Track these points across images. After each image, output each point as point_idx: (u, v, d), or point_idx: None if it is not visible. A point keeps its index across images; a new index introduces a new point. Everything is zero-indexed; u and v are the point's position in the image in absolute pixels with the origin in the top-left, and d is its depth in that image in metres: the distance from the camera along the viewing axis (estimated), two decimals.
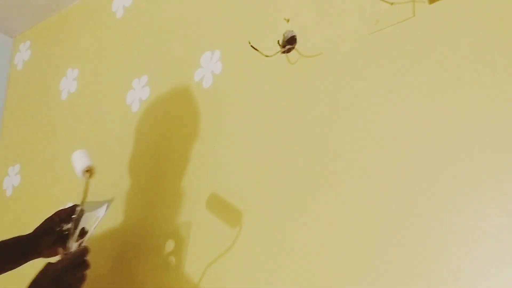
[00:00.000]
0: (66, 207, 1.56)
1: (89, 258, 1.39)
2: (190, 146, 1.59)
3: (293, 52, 1.43)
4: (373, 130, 1.26)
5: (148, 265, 1.54)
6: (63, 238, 1.50)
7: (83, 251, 1.40)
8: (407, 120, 1.21)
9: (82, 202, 1.45)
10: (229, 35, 1.60)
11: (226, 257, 1.41)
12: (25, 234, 1.52)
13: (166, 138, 1.65)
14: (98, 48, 1.98)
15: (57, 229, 1.51)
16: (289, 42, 1.43)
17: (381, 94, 1.27)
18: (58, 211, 1.55)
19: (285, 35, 1.43)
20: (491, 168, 1.09)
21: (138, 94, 1.77)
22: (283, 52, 1.43)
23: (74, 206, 1.52)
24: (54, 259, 1.44)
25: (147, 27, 1.85)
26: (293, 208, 1.34)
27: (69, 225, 1.49)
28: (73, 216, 1.48)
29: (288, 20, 1.46)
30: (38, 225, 1.53)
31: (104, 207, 1.48)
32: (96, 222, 1.45)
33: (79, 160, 1.47)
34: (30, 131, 2.10)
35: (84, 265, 1.39)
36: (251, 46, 1.43)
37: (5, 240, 1.52)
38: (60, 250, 1.44)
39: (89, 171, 1.45)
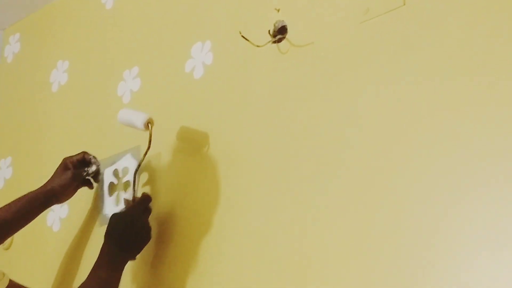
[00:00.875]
0: (73, 155, 1.67)
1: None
2: (182, 138, 1.59)
3: (284, 42, 1.43)
4: (365, 121, 1.26)
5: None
6: (84, 182, 1.68)
7: (146, 198, 1.53)
8: (400, 110, 1.21)
9: (146, 153, 1.53)
10: (220, 26, 1.60)
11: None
12: (45, 184, 1.64)
13: (157, 129, 1.65)
14: (88, 40, 1.97)
15: (83, 174, 1.67)
16: (280, 32, 1.43)
17: (373, 83, 1.27)
18: (66, 158, 1.67)
19: (276, 25, 1.43)
20: (486, 159, 1.09)
21: (129, 85, 1.77)
22: (274, 42, 1.43)
23: (83, 152, 1.67)
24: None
25: (137, 18, 1.84)
26: (285, 200, 1.34)
27: (94, 168, 1.66)
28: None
29: (278, 10, 1.46)
30: (55, 174, 1.64)
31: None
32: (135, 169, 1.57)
33: (134, 116, 1.56)
34: (21, 124, 2.10)
35: (149, 210, 1.52)
36: (242, 36, 1.43)
37: (31, 193, 1.62)
38: (125, 201, 1.55)
39: (150, 122, 1.53)
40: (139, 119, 1.53)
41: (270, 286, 1.30)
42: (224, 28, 1.58)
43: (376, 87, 1.26)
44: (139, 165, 1.57)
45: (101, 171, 1.70)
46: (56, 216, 1.81)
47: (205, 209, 1.47)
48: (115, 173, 1.69)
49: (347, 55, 1.33)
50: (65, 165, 1.66)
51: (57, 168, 1.66)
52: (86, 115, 1.87)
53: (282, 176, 1.36)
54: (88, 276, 1.39)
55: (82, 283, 1.37)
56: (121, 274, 1.43)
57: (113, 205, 1.66)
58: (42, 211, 1.64)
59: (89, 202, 1.75)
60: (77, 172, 1.66)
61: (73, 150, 1.76)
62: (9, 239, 1.90)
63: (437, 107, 1.16)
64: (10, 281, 1.19)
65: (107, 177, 1.70)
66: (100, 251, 1.43)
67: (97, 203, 1.72)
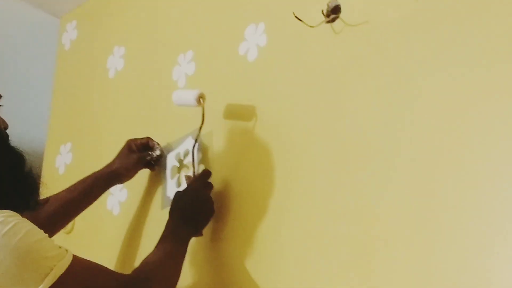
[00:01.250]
0: (138, 138, 1.71)
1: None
2: (236, 121, 1.59)
3: (337, 21, 1.42)
4: (427, 103, 1.23)
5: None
6: (146, 164, 1.72)
7: (206, 173, 1.56)
8: (460, 90, 1.19)
9: (200, 128, 1.58)
10: (273, 7, 1.59)
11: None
12: (109, 164, 1.69)
13: (212, 112, 1.66)
14: (143, 25, 1.99)
15: (147, 158, 1.70)
16: (333, 12, 1.41)
17: (430, 62, 1.25)
18: (131, 140, 1.70)
19: (329, 4, 1.41)
20: None
21: (184, 69, 1.78)
22: (328, 22, 1.42)
23: (148, 138, 1.71)
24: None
25: (191, 1, 1.85)
26: (336, 180, 1.33)
27: (158, 153, 1.70)
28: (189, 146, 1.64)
29: None
30: (120, 155, 1.69)
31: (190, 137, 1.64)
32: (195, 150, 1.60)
33: (186, 94, 1.61)
34: (79, 110, 2.13)
35: (210, 184, 1.54)
36: (295, 17, 1.42)
37: (95, 173, 1.67)
38: (186, 177, 1.58)
39: (201, 97, 1.56)
40: (191, 96, 1.57)
41: (330, 265, 1.30)
42: (278, 9, 1.58)
43: (435, 66, 1.24)
44: (195, 141, 1.59)
45: (164, 155, 1.72)
46: (116, 200, 1.83)
47: (263, 189, 1.47)
48: (177, 157, 1.70)
49: (404, 33, 1.31)
50: (129, 147, 1.69)
51: (122, 149, 1.70)
52: (142, 100, 1.89)
53: (339, 157, 1.35)
54: (154, 249, 1.40)
55: (148, 255, 1.38)
56: (186, 248, 1.44)
57: (175, 187, 1.67)
58: (105, 190, 1.70)
59: (147, 185, 1.77)
60: (142, 155, 1.70)
61: (131, 135, 1.78)
62: (70, 224, 1.94)
63: (503, 87, 1.13)
64: (74, 256, 1.20)
65: (170, 161, 1.71)
66: (165, 226, 1.45)
67: (159, 187, 1.74)
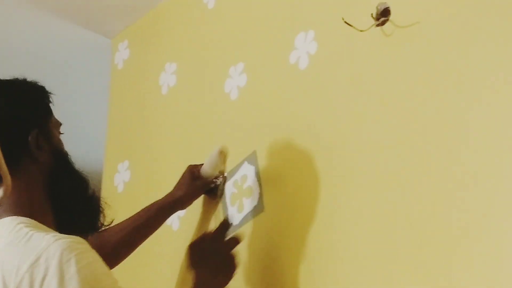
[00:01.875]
0: (198, 164, 1.71)
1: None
2: (291, 131, 1.59)
3: (387, 24, 1.40)
4: (483, 102, 1.20)
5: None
6: (210, 191, 1.72)
7: (226, 226, 1.52)
8: None
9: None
10: (322, 13, 1.58)
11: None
12: (173, 192, 1.69)
13: (266, 123, 1.65)
14: (193, 40, 2.00)
15: (211, 185, 1.70)
16: (383, 14, 1.39)
17: (487, 62, 1.21)
18: (192, 167, 1.70)
19: (378, 7, 1.40)
20: None
21: (236, 81, 1.78)
22: (378, 25, 1.40)
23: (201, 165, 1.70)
24: None
25: (239, 13, 1.85)
26: (401, 183, 1.31)
27: (221, 179, 1.70)
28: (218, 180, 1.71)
29: None
30: (184, 182, 1.68)
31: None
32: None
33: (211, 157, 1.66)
34: (135, 128, 2.15)
35: (234, 240, 1.50)
36: (345, 22, 1.41)
37: (160, 202, 1.68)
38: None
39: (222, 151, 1.63)
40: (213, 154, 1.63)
41: (388, 267, 1.28)
42: (326, 16, 1.57)
43: (495, 66, 1.20)
44: (224, 178, 1.67)
45: (225, 182, 1.71)
46: (175, 215, 1.84)
47: (315, 197, 1.46)
48: (235, 184, 1.70)
49: (458, 32, 1.28)
50: (192, 173, 1.69)
51: (184, 176, 1.70)
52: (196, 115, 1.90)
53: (397, 159, 1.33)
54: None
55: None
56: None
57: (236, 213, 1.66)
58: (168, 217, 1.71)
59: (205, 199, 1.77)
60: (207, 182, 1.70)
61: (186, 150, 1.79)
62: None
63: None
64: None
65: (228, 188, 1.71)
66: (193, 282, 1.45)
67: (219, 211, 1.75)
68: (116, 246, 1.57)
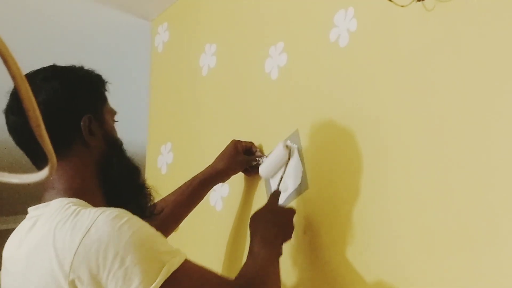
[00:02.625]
0: (243, 141, 1.73)
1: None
2: (333, 110, 1.58)
3: None
4: None
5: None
6: (249, 168, 1.73)
7: (292, 210, 1.53)
8: None
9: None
10: None
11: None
12: (215, 164, 1.71)
13: (307, 102, 1.65)
14: (232, 21, 2.00)
15: (253, 163, 1.70)
16: None
17: None
18: (237, 142, 1.71)
19: None
20: None
21: (276, 61, 1.77)
22: (418, 0, 1.38)
23: (252, 143, 1.72)
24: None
25: None
26: (434, 161, 1.30)
27: (264, 159, 1.67)
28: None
29: None
30: (227, 155, 1.70)
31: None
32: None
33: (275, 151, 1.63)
34: (176, 110, 2.17)
35: (292, 210, 1.53)
36: None
37: (201, 175, 1.70)
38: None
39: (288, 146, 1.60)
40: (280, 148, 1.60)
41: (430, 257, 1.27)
42: None
43: None
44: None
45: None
46: (218, 196, 1.85)
47: (358, 181, 1.45)
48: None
49: (502, 5, 1.25)
50: (236, 148, 1.71)
51: (228, 149, 1.71)
52: (236, 95, 1.90)
53: (439, 141, 1.32)
54: (249, 256, 1.41)
55: (246, 262, 1.40)
56: (279, 256, 1.44)
57: (281, 192, 1.62)
58: (209, 190, 1.73)
59: (247, 180, 1.78)
60: (250, 159, 1.72)
61: (227, 130, 1.79)
62: None
63: None
64: (187, 258, 1.22)
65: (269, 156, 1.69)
66: (251, 242, 1.45)
67: (259, 181, 1.74)
68: (162, 221, 1.58)
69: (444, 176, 1.29)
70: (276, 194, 1.55)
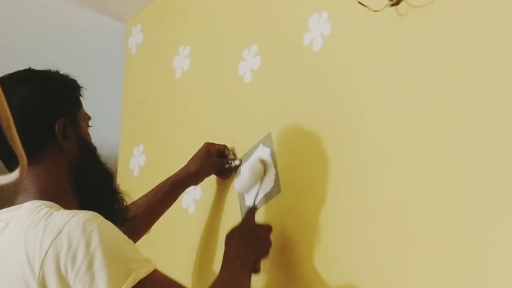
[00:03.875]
0: (215, 143, 1.71)
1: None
2: (306, 113, 1.58)
3: (402, 3, 1.38)
4: (499, 84, 1.19)
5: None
6: (222, 171, 1.72)
7: (269, 226, 1.52)
8: None
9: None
10: None
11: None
12: (188, 166, 1.69)
13: (280, 105, 1.65)
14: (206, 23, 1.99)
15: (226, 166, 1.70)
16: None
17: (504, 42, 1.20)
18: (209, 144, 1.70)
19: None
20: None
21: (250, 64, 1.77)
22: (392, 5, 1.39)
23: (225, 145, 1.71)
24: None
25: None
26: (406, 164, 1.31)
27: (237, 163, 1.68)
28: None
29: None
30: (200, 158, 1.69)
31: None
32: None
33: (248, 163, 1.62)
34: (149, 112, 2.16)
35: (269, 227, 1.52)
36: (359, 2, 1.39)
37: (173, 178, 1.68)
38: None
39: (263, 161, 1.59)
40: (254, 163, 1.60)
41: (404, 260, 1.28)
42: None
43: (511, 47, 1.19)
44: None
45: (239, 166, 1.70)
46: (191, 198, 1.85)
47: (329, 183, 1.46)
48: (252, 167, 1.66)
49: (474, 11, 1.26)
50: (208, 150, 1.70)
51: (201, 152, 1.70)
52: (210, 97, 1.90)
53: (411, 144, 1.33)
54: (220, 272, 1.42)
55: (217, 277, 1.40)
56: (251, 274, 1.44)
57: (253, 195, 1.63)
58: (182, 192, 1.72)
59: (220, 183, 1.78)
60: (222, 162, 1.71)
61: (200, 133, 1.79)
62: None
63: None
64: (156, 268, 1.22)
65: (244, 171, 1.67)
66: (224, 257, 1.46)
67: (231, 184, 1.74)
68: (134, 223, 1.57)
69: (415, 178, 1.30)
70: (252, 210, 1.55)
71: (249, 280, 1.42)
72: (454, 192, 1.24)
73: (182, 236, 1.87)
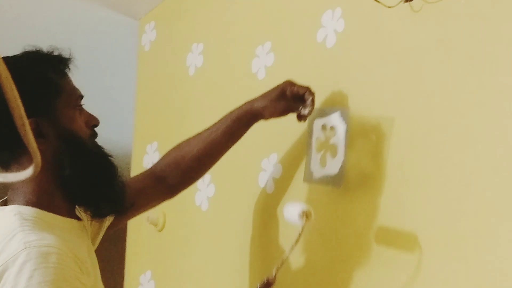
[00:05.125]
0: (297, 84, 1.52)
1: None
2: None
3: None
4: None
5: None
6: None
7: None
8: None
9: (292, 248, 1.37)
10: None
11: None
12: (254, 102, 1.55)
13: None
14: (219, 20, 1.99)
15: (295, 111, 1.51)
16: None
17: None
18: (288, 85, 1.52)
19: None
20: None
21: (263, 61, 1.77)
22: (406, 1, 1.38)
23: (307, 88, 1.49)
24: None
25: None
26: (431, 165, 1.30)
27: (306, 112, 1.48)
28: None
29: None
30: (269, 97, 1.53)
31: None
32: None
33: (293, 207, 1.41)
34: (163, 109, 2.16)
35: None
36: None
37: (237, 112, 1.56)
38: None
39: (306, 214, 1.37)
40: (295, 212, 1.38)
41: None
42: None
43: None
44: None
45: (310, 114, 1.50)
46: (204, 196, 1.85)
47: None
48: (323, 128, 1.52)
49: (488, 7, 1.25)
50: (283, 92, 1.52)
51: (274, 90, 1.54)
52: (223, 95, 1.90)
53: (423, 141, 1.32)
54: None
55: None
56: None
57: (318, 165, 1.51)
58: (248, 128, 1.59)
59: (235, 180, 1.78)
60: (289, 108, 1.53)
61: None
62: (162, 221, 1.97)
63: None
64: None
65: (316, 128, 1.54)
66: None
67: (250, 175, 1.72)
68: (197, 158, 1.54)
69: (452, 178, 1.29)
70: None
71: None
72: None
73: (196, 234, 1.87)
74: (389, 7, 1.39)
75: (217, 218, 1.81)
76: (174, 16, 2.21)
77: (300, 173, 1.57)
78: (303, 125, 1.55)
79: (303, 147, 1.58)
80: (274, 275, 1.36)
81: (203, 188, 1.82)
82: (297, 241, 1.35)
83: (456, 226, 1.23)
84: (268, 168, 1.68)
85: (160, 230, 1.98)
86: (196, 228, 1.87)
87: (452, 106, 1.28)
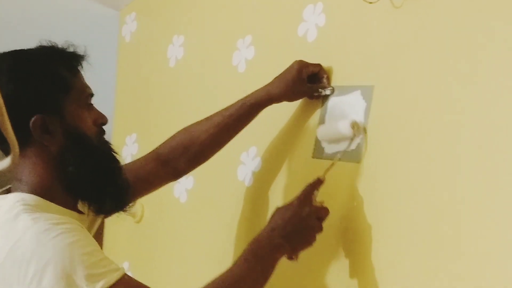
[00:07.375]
0: (310, 63, 1.51)
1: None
2: (299, 103, 1.58)
3: None
4: (494, 74, 1.19)
5: None
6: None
7: (325, 211, 1.34)
8: None
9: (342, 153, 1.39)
10: None
11: None
12: (267, 88, 1.53)
13: None
14: (200, 12, 1.99)
15: (315, 94, 1.50)
16: None
17: (501, 32, 1.20)
18: (302, 65, 1.49)
19: None
20: None
21: (244, 54, 1.77)
22: None
23: (320, 66, 1.50)
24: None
25: None
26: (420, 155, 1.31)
27: (328, 93, 1.48)
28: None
29: None
30: (283, 79, 1.50)
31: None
32: None
33: (340, 120, 1.42)
34: (142, 101, 2.15)
35: (319, 227, 1.33)
36: None
37: (252, 98, 1.53)
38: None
39: (355, 125, 1.38)
40: (346, 123, 1.39)
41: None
42: None
43: (509, 37, 1.18)
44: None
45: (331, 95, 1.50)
46: (183, 188, 1.85)
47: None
48: (339, 107, 1.49)
49: (468, 2, 1.26)
50: (300, 74, 1.49)
51: (290, 74, 1.50)
52: (204, 87, 1.90)
53: (410, 141, 1.33)
54: (237, 261, 1.27)
55: (226, 271, 1.25)
56: (273, 267, 1.28)
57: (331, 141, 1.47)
58: (259, 113, 1.56)
59: (214, 172, 1.77)
60: (310, 90, 1.52)
61: (193, 121, 1.78)
62: (140, 212, 1.97)
63: None
64: (124, 276, 1.14)
65: (330, 106, 1.52)
66: (258, 236, 1.30)
67: (229, 168, 1.72)
68: (206, 143, 1.54)
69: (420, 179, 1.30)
70: (315, 185, 1.35)
71: (270, 273, 1.27)
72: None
73: (174, 226, 1.87)
74: (370, 2, 1.40)
75: (195, 210, 1.81)
76: (155, 8, 2.20)
77: (278, 166, 1.58)
78: (283, 118, 1.56)
79: (283, 141, 1.59)
80: (323, 175, 1.36)
81: (182, 180, 1.81)
82: (348, 147, 1.39)
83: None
84: (247, 161, 1.68)
85: (138, 222, 1.98)
86: (174, 220, 1.87)
87: (434, 102, 1.29)
